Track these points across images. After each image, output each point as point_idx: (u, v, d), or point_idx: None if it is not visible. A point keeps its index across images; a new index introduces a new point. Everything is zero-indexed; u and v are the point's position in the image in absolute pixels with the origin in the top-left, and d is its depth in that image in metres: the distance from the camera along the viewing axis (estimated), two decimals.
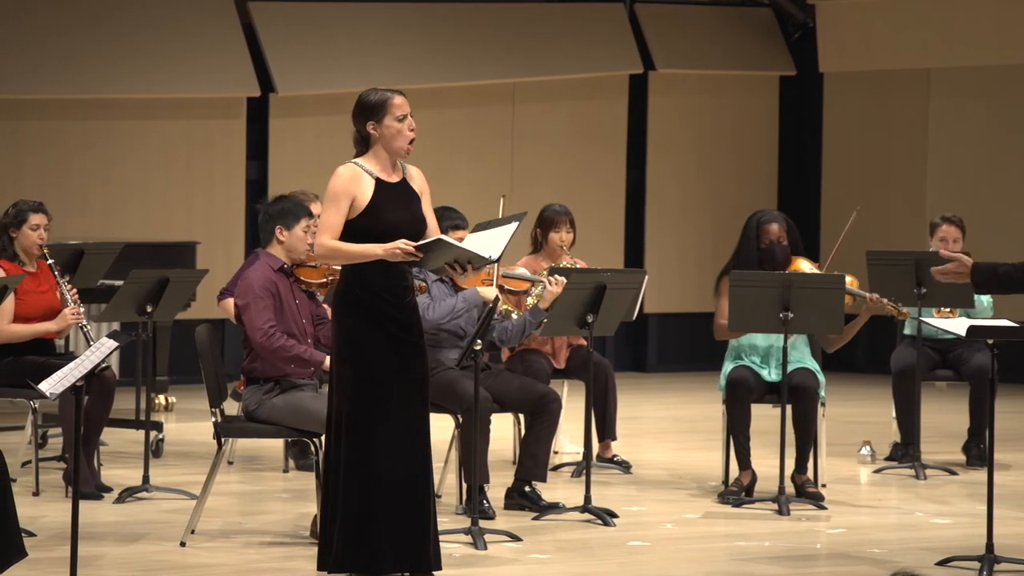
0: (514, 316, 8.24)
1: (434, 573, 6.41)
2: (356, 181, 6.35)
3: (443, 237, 6.35)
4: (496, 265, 7.82)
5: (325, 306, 7.65)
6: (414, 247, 6.27)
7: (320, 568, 6.43)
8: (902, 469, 9.43)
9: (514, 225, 6.46)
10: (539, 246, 9.12)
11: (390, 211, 6.33)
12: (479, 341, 7.21)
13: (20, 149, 12.69)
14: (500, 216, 7.23)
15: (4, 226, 8.42)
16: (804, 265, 8.51)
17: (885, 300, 8.51)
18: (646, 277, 8.97)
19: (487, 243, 6.41)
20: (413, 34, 13.64)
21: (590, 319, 7.95)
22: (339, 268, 6.64)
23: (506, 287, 8.11)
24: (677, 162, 14.68)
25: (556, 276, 8.08)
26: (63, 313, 8.32)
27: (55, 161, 12.80)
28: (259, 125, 13.41)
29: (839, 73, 14.60)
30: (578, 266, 8.81)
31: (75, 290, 8.44)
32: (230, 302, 9.13)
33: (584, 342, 9.13)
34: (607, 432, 9.30)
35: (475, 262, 6.38)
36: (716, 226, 14.39)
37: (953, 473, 9.41)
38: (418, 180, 6.49)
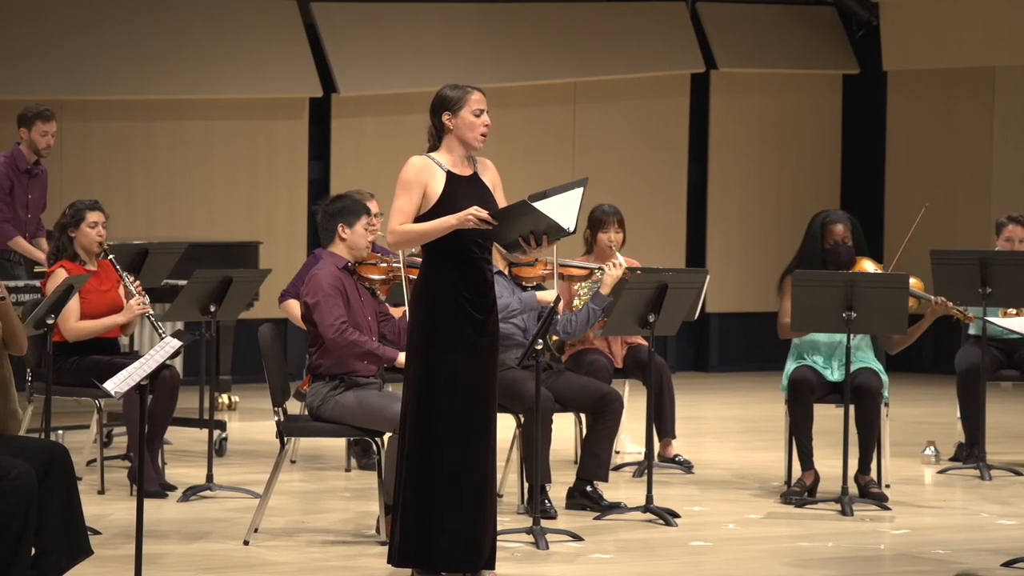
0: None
1: (488, 572, 6.42)
2: (428, 171, 6.40)
3: (527, 201, 6.27)
4: (555, 254, 7.81)
5: (398, 311, 7.66)
6: (490, 213, 6.27)
7: (388, 561, 6.48)
8: (967, 470, 9.36)
9: (579, 191, 6.31)
10: (591, 247, 9.11)
11: (463, 203, 6.35)
12: (540, 341, 7.20)
13: (86, 150, 12.79)
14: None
15: (63, 226, 8.49)
16: (868, 266, 8.47)
17: (950, 304, 8.45)
18: (708, 277, 8.94)
19: (556, 213, 6.27)
20: (474, 34, 13.66)
21: (652, 319, 7.94)
22: (400, 264, 6.61)
23: (564, 275, 8.10)
24: (739, 161, 14.63)
25: (615, 260, 8.10)
26: (129, 304, 8.38)
27: (120, 161, 12.90)
28: (321, 125, 13.46)
29: (903, 71, 14.51)
30: (627, 266, 8.79)
31: (138, 282, 8.50)
32: (292, 304, 9.19)
33: (642, 341, 9.12)
34: (665, 431, 9.29)
35: (551, 234, 6.29)
36: (778, 226, 14.33)
37: (1018, 474, 9.33)
38: (490, 173, 6.52)
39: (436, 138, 6.49)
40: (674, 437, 9.35)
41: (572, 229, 6.29)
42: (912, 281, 8.25)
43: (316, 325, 7.35)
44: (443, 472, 6.34)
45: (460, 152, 6.46)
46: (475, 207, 6.30)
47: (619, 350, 9.22)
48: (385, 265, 7.48)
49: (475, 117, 6.43)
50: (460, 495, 6.34)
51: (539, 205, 6.28)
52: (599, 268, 8.12)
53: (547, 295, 7.91)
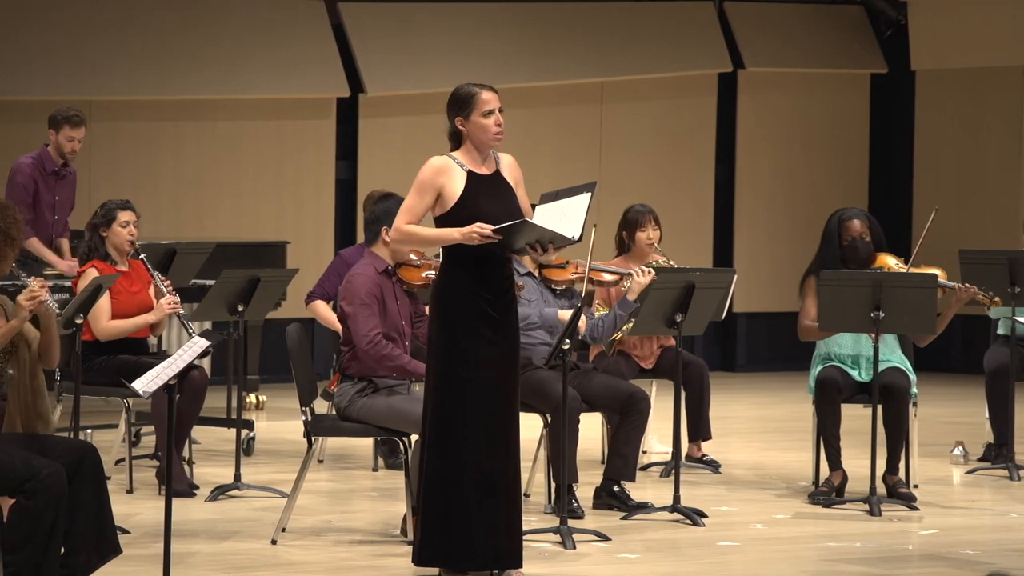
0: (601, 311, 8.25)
1: (514, 571, 6.42)
2: (445, 173, 6.39)
3: (527, 219, 6.31)
4: (589, 258, 7.81)
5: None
6: (492, 230, 6.27)
7: (413, 561, 6.50)
8: (995, 470, 9.33)
9: (587, 197, 6.33)
10: (626, 248, 9.07)
11: (484, 202, 6.35)
12: (567, 341, 7.20)
13: (115, 150, 12.84)
14: None
15: (95, 226, 8.53)
16: (890, 260, 8.44)
17: (974, 288, 8.42)
18: (735, 276, 8.93)
19: (562, 219, 6.30)
20: (502, 34, 13.67)
21: (679, 318, 7.93)
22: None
23: (595, 279, 8.10)
24: (766, 161, 14.60)
25: (644, 267, 8.12)
26: (159, 303, 8.41)
27: (148, 162, 12.94)
28: (349, 125, 13.49)
29: (931, 70, 14.47)
30: (672, 264, 8.78)
31: (169, 281, 8.53)
32: (319, 305, 9.21)
33: (674, 342, 9.10)
34: (701, 432, 9.28)
35: (556, 242, 6.32)
36: (806, 225, 14.29)
37: None
38: (511, 170, 6.50)
39: (455, 138, 6.48)
40: (708, 439, 9.34)
41: (576, 238, 6.32)
42: (936, 272, 8.24)
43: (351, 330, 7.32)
44: (465, 471, 6.33)
45: (478, 153, 6.45)
46: (478, 224, 6.27)
47: (652, 352, 9.19)
48: (426, 267, 7.44)
49: (486, 119, 6.39)
50: (483, 494, 6.33)
51: (543, 210, 6.32)
52: (628, 273, 8.12)
53: (566, 315, 7.87)
